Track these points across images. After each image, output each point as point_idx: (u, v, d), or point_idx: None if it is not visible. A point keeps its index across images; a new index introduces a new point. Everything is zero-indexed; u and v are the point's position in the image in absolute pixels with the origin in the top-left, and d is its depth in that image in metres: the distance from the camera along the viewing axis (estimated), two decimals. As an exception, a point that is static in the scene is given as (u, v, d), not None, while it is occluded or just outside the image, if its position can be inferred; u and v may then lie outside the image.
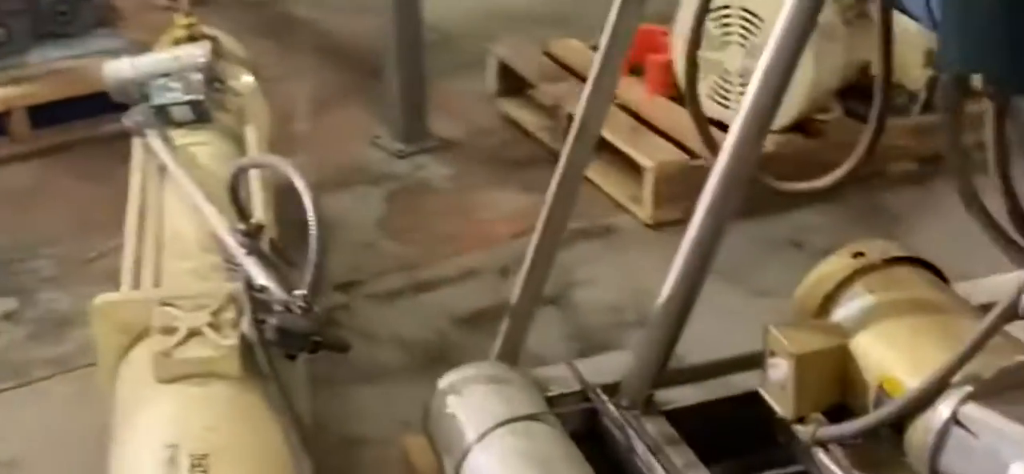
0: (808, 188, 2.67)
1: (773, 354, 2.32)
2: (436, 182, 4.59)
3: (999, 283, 2.80)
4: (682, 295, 2.42)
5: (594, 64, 2.58)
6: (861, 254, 2.40)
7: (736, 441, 2.53)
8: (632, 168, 4.24)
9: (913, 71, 4.24)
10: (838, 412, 2.32)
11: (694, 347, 3.13)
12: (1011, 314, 2.02)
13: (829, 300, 2.37)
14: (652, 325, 2.47)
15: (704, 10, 2.74)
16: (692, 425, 2.49)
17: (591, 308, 3.68)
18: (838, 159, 2.70)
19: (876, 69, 4.06)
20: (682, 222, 3.70)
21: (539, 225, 2.61)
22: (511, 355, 2.65)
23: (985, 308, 2.53)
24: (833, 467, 2.31)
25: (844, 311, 2.34)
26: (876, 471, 2.27)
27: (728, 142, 2.35)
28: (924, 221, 4.05)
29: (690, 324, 2.44)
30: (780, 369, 2.31)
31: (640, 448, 2.40)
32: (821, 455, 2.32)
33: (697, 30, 2.69)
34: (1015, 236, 2.19)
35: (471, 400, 2.47)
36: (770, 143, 4.03)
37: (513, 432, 2.36)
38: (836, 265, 2.40)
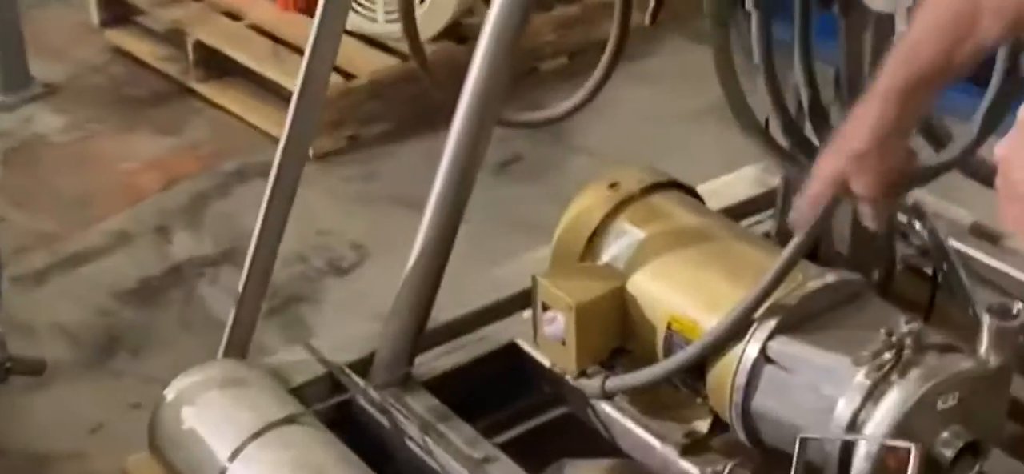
0: (544, 118, 2.48)
1: (546, 307, 2.14)
2: (52, 135, 4.09)
3: (729, 185, 2.76)
4: (435, 248, 2.20)
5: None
6: (616, 185, 2.24)
7: (499, 395, 2.35)
8: (279, 95, 3.92)
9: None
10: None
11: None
12: (811, 242, 1.92)
13: (594, 240, 2.20)
14: (403, 288, 2.23)
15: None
16: (455, 391, 2.28)
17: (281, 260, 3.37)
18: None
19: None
20: (345, 152, 3.49)
21: (267, 193, 2.29)
22: (240, 348, 2.33)
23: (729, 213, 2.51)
24: (622, 418, 2.17)
25: (614, 250, 2.18)
26: (667, 412, 2.15)
27: (476, 67, 2.13)
28: (588, 120, 3.97)
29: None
30: (557, 323, 2.12)
31: (412, 431, 2.16)
32: (607, 407, 2.18)
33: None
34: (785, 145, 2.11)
35: (211, 411, 2.16)
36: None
37: (271, 442, 2.07)
38: (593, 200, 2.23)
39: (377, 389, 2.23)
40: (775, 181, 2.74)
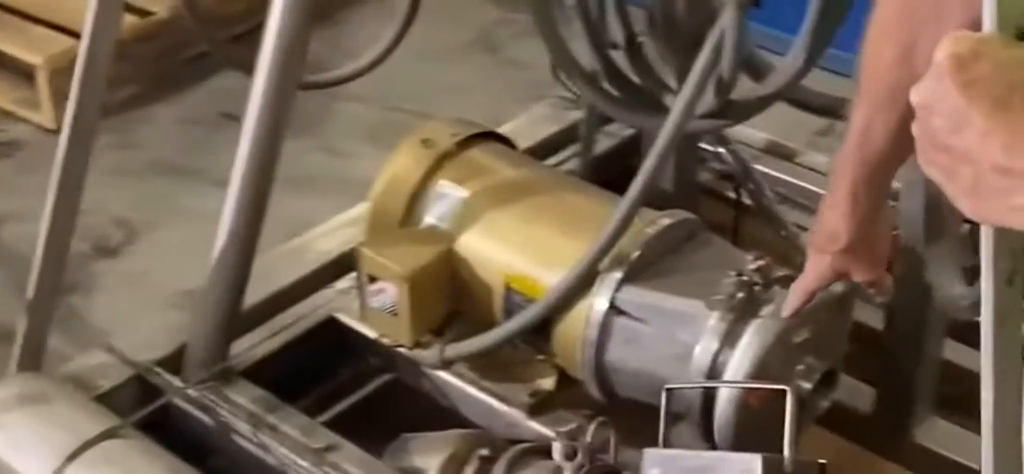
0: (349, 75, 2.35)
1: (373, 278, 2.03)
2: None
3: (528, 125, 2.70)
4: (244, 228, 2.04)
5: None
6: (429, 141, 2.14)
7: (321, 373, 2.24)
8: (15, 68, 3.62)
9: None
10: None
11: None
12: (651, 188, 1.88)
13: (414, 202, 2.09)
14: (212, 275, 2.07)
15: None
16: (276, 376, 2.15)
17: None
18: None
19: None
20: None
21: (52, 186, 2.08)
22: (34, 359, 2.12)
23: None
24: (461, 384, 2.09)
25: (437, 211, 2.08)
26: (507, 373, 2.08)
27: (274, 26, 1.97)
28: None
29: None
30: (387, 294, 2.02)
31: (241, 427, 2.02)
32: (444, 374, 2.09)
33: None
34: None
35: (17, 434, 1.96)
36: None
37: (92, 461, 1.89)
38: (407, 161, 2.12)
39: (195, 386, 2.07)
40: (572, 116, 2.70)
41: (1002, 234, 1.12)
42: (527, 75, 3.80)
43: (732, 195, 2.52)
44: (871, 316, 2.00)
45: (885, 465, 1.99)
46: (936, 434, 1.99)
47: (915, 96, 1.03)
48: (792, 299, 1.77)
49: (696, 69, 1.84)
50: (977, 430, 2.01)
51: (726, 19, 1.78)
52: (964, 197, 1.01)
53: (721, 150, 2.45)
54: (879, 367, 2.00)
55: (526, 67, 3.84)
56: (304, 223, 2.53)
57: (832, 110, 2.21)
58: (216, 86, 3.72)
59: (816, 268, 1.72)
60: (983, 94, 0.98)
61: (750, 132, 2.57)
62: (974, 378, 2.08)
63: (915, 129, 1.04)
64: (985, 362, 1.14)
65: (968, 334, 2.12)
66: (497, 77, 3.80)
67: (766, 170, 2.54)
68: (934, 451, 1.98)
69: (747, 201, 2.49)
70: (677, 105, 1.85)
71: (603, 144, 2.60)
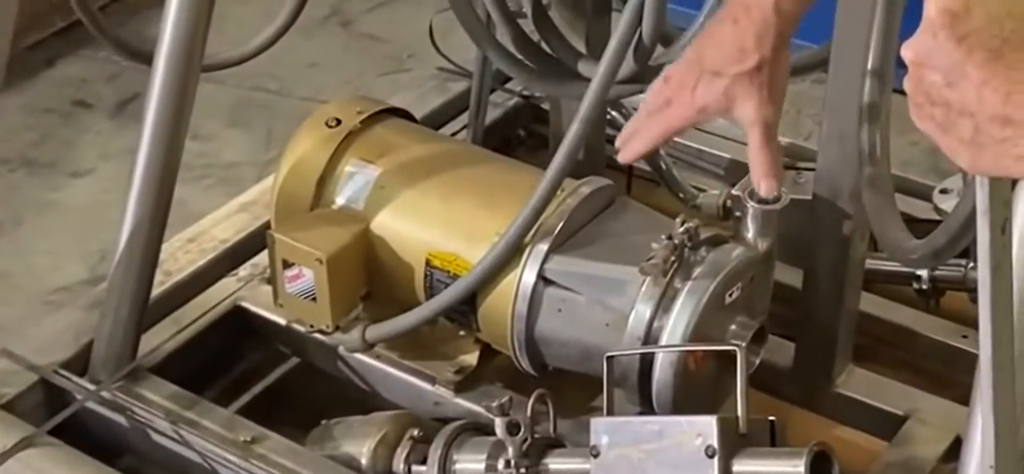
0: (225, 61, 2.28)
1: (289, 264, 1.97)
2: None
3: (418, 99, 2.66)
4: (149, 222, 1.97)
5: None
6: (338, 120, 2.08)
7: (230, 363, 2.18)
8: None
9: None
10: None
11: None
12: (575, 158, 1.86)
13: (324, 184, 2.04)
14: (117, 272, 1.99)
15: None
16: (185, 370, 2.09)
17: None
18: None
19: None
20: None
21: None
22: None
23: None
24: (381, 366, 2.05)
25: (348, 192, 2.03)
26: (427, 351, 2.05)
27: (174, 9, 1.90)
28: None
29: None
30: (304, 279, 1.97)
31: (161, 425, 1.95)
32: (363, 356, 2.05)
33: None
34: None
35: (-78, 451, 1.85)
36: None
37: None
38: (314, 142, 2.06)
39: (106, 387, 1.99)
40: (456, 87, 2.68)
41: (995, 184, 1.14)
42: (383, 48, 3.77)
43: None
44: (787, 274, 2.03)
45: (808, 415, 2.03)
46: (855, 382, 2.04)
47: (907, 53, 1.04)
48: (653, 133, 1.76)
49: (618, 33, 1.83)
50: (891, 376, 2.09)
51: (647, -18, 1.78)
52: (963, 149, 1.03)
53: (614, 114, 2.45)
54: (799, 322, 2.04)
55: (382, 40, 3.81)
56: (182, 212, 2.45)
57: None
58: (64, 73, 3.58)
59: (699, 97, 1.67)
60: (978, 46, 0.99)
61: (638, 96, 2.58)
62: (886, 326, 2.16)
63: (907, 85, 1.05)
64: (983, 312, 1.16)
65: (878, 286, 2.20)
66: (354, 51, 3.75)
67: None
68: (854, 398, 2.03)
69: (639, 164, 2.51)
70: (600, 70, 1.83)
71: (490, 113, 2.59)
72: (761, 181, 1.74)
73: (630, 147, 1.81)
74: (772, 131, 1.70)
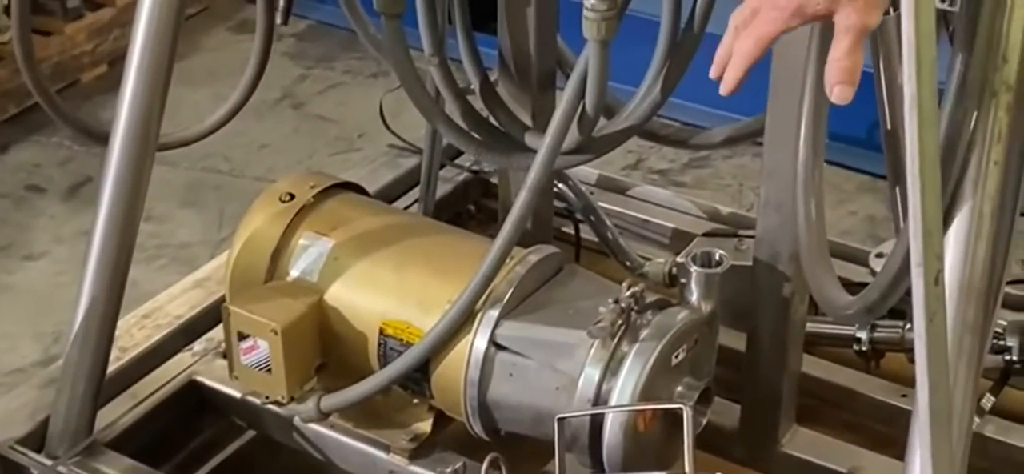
0: (196, 135, 2.32)
1: (244, 336, 2.01)
2: None
3: (370, 175, 2.71)
4: (105, 297, 2.01)
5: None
6: (291, 195, 2.13)
7: (185, 437, 2.20)
8: None
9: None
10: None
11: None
12: (523, 226, 1.92)
13: (278, 257, 2.08)
14: (73, 348, 2.02)
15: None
16: (140, 444, 2.11)
17: None
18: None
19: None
20: None
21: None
22: None
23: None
24: (336, 435, 2.08)
25: (302, 264, 2.07)
26: (381, 420, 2.09)
27: (129, 91, 1.96)
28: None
29: None
30: (259, 350, 2.00)
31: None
32: (317, 426, 2.08)
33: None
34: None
35: None
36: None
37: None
38: (268, 215, 2.11)
39: (63, 463, 2.01)
40: (407, 163, 2.74)
41: (928, 239, 1.20)
42: (335, 129, 3.83)
43: (570, 230, 2.59)
44: (731, 338, 2.09)
45: (755, 475, 2.08)
46: (799, 442, 2.09)
47: None
48: (744, 51, 1.54)
49: (562, 106, 1.89)
50: (834, 436, 2.15)
51: (590, 54, 1.84)
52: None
53: (561, 186, 2.51)
54: (743, 384, 2.09)
55: (333, 121, 3.86)
56: (134, 293, 2.47)
57: (682, 141, 2.31)
58: (17, 159, 3.62)
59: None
60: None
61: (583, 168, 2.65)
62: (829, 387, 2.22)
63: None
64: (919, 361, 1.22)
65: (820, 349, 2.26)
66: (305, 132, 3.80)
67: (602, 204, 2.61)
68: (799, 457, 2.08)
69: (586, 235, 2.57)
70: (546, 141, 1.90)
71: (441, 188, 2.64)
72: (835, 87, 1.46)
73: (728, 75, 1.57)
74: (863, 40, 1.48)
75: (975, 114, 1.40)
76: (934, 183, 1.16)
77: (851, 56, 1.44)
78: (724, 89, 1.58)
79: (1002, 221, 1.44)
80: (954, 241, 1.43)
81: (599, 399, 1.85)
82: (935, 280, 1.18)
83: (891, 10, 1.81)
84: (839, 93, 1.45)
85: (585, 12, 1.81)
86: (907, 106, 1.14)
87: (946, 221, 1.41)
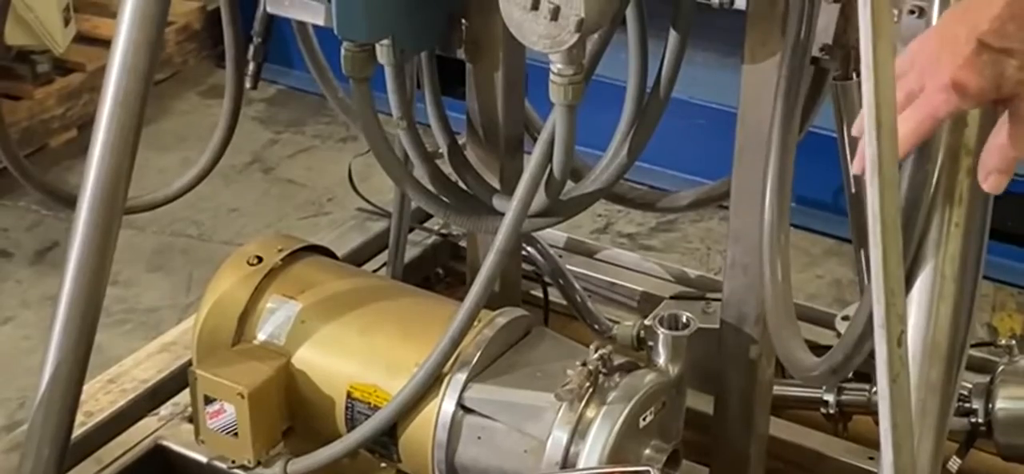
0: (164, 198, 2.32)
1: (211, 400, 2.00)
2: None
3: (339, 238, 2.71)
4: (71, 363, 1.98)
5: None
6: (259, 258, 2.13)
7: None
8: None
9: (56, 34, 3.87)
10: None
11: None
12: (490, 285, 1.92)
13: (245, 320, 2.08)
14: (38, 414, 2.00)
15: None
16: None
17: None
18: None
19: (11, 40, 3.71)
20: None
21: None
22: None
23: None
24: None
25: (269, 328, 2.07)
26: (352, 485, 2.08)
27: (98, 155, 1.95)
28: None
29: None
30: (226, 414, 1.99)
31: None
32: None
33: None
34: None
35: None
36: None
37: None
38: (234, 279, 2.11)
39: (26, 528, 1.98)
40: (376, 227, 2.74)
41: (891, 300, 1.21)
42: (304, 193, 3.83)
43: (538, 293, 2.60)
44: (699, 401, 2.09)
45: (723, 539, 2.08)
46: (767, 505, 2.10)
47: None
48: (912, 128, 1.31)
49: (529, 169, 1.90)
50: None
51: (557, 119, 1.86)
52: None
53: (529, 250, 2.52)
54: (712, 447, 2.09)
55: (302, 185, 3.87)
56: (100, 358, 2.45)
57: (649, 204, 2.33)
58: (-20, 222, 3.60)
59: (976, 77, 1.27)
60: None
61: (551, 232, 2.66)
62: (796, 450, 2.22)
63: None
64: (883, 421, 1.22)
65: (786, 411, 2.27)
66: (274, 196, 3.81)
67: (572, 267, 2.62)
68: (768, 521, 2.08)
69: (555, 298, 2.58)
70: (513, 204, 1.90)
71: (409, 251, 2.64)
72: (992, 175, 1.33)
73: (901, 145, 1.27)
74: None
75: (936, 176, 1.41)
76: (896, 244, 1.17)
77: (1019, 146, 1.31)
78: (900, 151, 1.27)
79: (964, 283, 1.45)
80: (917, 302, 1.44)
81: (567, 462, 1.85)
82: (898, 341, 1.19)
83: (854, 75, 1.85)
84: (994, 183, 1.33)
85: (552, 77, 1.82)
86: (867, 168, 1.15)
87: (908, 282, 1.43)
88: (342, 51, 1.96)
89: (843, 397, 2.25)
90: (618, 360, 1.93)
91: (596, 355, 1.89)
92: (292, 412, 2.05)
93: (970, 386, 2.15)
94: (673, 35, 1.90)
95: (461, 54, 2.10)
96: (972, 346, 1.68)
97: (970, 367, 1.93)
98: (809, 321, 2.37)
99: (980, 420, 2.12)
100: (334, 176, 3.74)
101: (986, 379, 2.15)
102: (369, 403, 1.98)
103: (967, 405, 2.13)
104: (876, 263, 1.17)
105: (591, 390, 1.87)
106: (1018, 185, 1.50)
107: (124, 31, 1.93)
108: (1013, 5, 1.25)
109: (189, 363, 2.10)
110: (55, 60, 3.97)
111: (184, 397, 2.25)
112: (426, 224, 2.78)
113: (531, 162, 1.91)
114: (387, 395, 1.96)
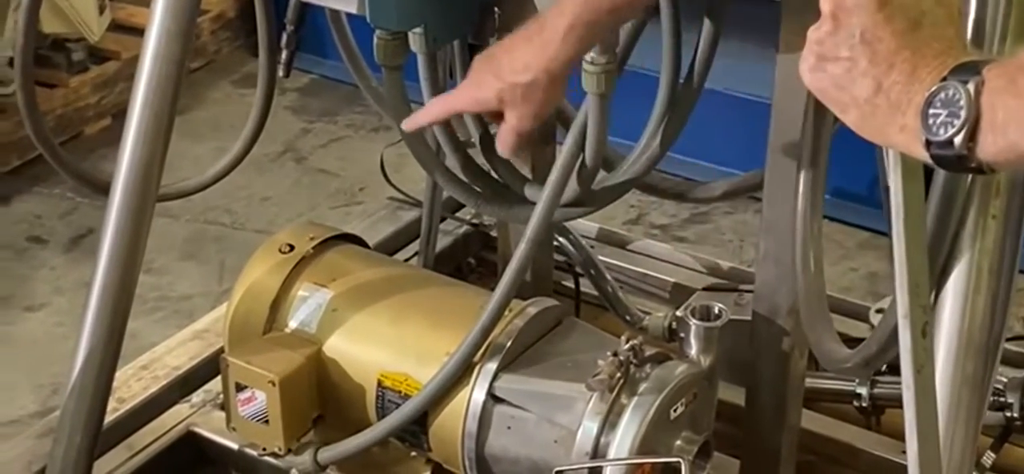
0: (195, 187, 2.32)
1: (242, 387, 2.00)
2: None
3: (370, 227, 2.71)
4: (103, 349, 1.99)
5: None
6: (290, 246, 2.13)
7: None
8: None
9: (92, 22, 3.89)
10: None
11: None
12: (521, 278, 1.92)
13: (277, 308, 2.08)
14: (70, 400, 2.01)
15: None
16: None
17: None
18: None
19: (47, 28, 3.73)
20: None
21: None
22: None
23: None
24: (335, 488, 2.08)
25: (301, 315, 2.07)
26: (382, 472, 2.08)
27: (131, 140, 1.96)
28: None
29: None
30: (257, 401, 2.00)
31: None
32: (317, 480, 2.07)
33: None
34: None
35: None
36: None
37: None
38: (267, 267, 2.11)
39: (57, 515, 2.00)
40: (407, 216, 2.74)
41: (915, 291, 1.20)
42: (336, 182, 3.84)
43: (570, 284, 2.59)
44: (731, 393, 2.08)
45: (754, 531, 2.07)
46: (799, 498, 2.08)
47: (826, 5, 1.12)
48: (433, 109, 1.87)
49: (561, 158, 1.89)
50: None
51: (589, 107, 1.85)
52: (854, 109, 1.09)
53: (561, 240, 2.52)
54: (743, 440, 2.08)
55: (334, 175, 3.87)
56: (133, 345, 2.47)
57: (681, 194, 2.31)
58: (19, 210, 3.62)
59: (479, 91, 1.78)
60: (899, 14, 1.07)
61: (583, 222, 2.65)
62: (829, 443, 2.21)
63: (811, 35, 1.12)
64: (908, 413, 1.21)
65: (822, 405, 2.26)
66: (306, 186, 3.82)
67: (603, 258, 2.61)
68: (799, 514, 2.07)
69: (586, 289, 2.57)
70: (545, 193, 1.90)
71: (441, 241, 2.64)
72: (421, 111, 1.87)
73: (412, 119, 1.92)
74: (523, 141, 1.81)
75: (973, 168, 1.40)
76: (919, 234, 1.16)
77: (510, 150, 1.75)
78: (405, 125, 1.94)
79: (1000, 276, 1.44)
80: (952, 295, 1.43)
81: (597, 452, 1.85)
82: (922, 332, 1.18)
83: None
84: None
85: (585, 65, 1.81)
86: (890, 158, 1.14)
87: (944, 274, 1.41)
88: (374, 39, 1.96)
89: (876, 390, 2.23)
90: (649, 351, 1.92)
91: (627, 346, 1.88)
92: (323, 400, 2.06)
93: (1005, 380, 2.14)
94: (707, 25, 1.89)
95: (494, 42, 2.09)
96: (1007, 340, 1.67)
97: (1005, 361, 1.91)
98: (843, 314, 2.36)
99: (1015, 415, 2.10)
100: (366, 165, 3.74)
101: (1021, 374, 2.13)
102: (399, 392, 1.98)
103: (1002, 399, 2.11)
104: (899, 253, 1.16)
105: (622, 381, 1.86)
106: (1055, 177, 1.49)
107: (158, 19, 1.94)
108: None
109: (221, 350, 2.10)
110: (90, 48, 3.99)
111: (216, 384, 2.26)
112: (458, 214, 2.78)
113: (563, 151, 1.90)
114: (417, 384, 1.96)
